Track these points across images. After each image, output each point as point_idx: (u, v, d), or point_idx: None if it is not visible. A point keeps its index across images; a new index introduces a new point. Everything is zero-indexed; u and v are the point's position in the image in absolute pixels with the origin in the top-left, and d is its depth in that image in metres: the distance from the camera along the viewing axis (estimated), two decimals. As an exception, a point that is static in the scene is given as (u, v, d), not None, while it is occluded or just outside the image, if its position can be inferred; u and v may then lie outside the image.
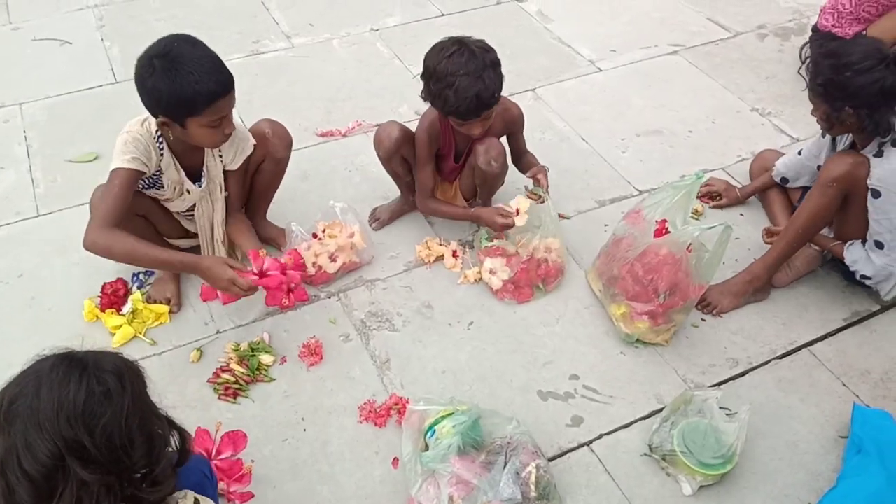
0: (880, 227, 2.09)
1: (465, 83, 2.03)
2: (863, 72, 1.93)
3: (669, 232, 2.06)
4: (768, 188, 2.58)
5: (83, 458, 1.05)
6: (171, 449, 1.19)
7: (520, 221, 2.26)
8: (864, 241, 2.19)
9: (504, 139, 2.39)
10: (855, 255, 2.20)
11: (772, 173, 2.53)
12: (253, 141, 2.22)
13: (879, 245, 2.13)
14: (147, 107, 1.92)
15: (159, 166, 2.04)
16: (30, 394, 1.05)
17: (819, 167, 2.25)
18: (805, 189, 2.40)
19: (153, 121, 1.97)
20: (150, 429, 1.13)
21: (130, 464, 1.09)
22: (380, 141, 2.33)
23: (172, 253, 2.04)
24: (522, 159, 2.47)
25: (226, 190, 2.23)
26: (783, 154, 2.61)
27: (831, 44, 2.01)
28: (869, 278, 2.20)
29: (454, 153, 2.39)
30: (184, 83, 1.82)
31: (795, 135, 3.00)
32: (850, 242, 2.23)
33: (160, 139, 2.00)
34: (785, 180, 2.50)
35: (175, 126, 1.92)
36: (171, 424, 1.19)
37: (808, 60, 2.11)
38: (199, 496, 1.23)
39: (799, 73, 2.11)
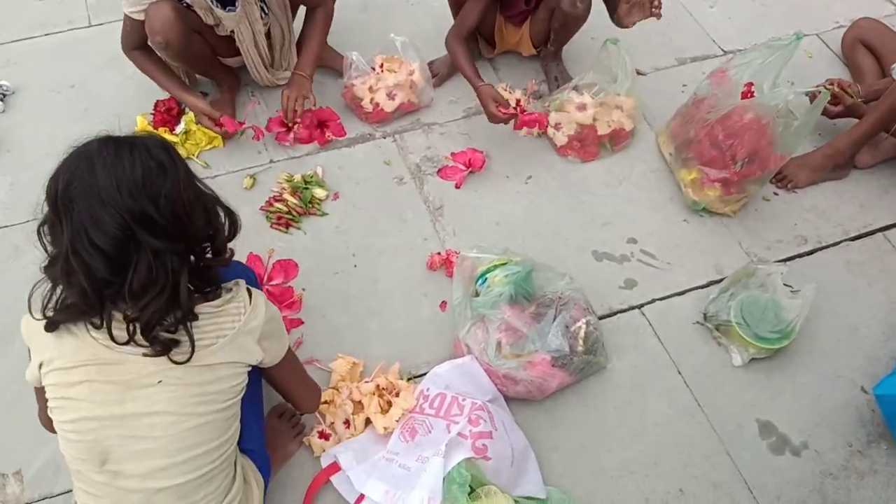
0: None
1: None
2: None
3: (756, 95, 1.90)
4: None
5: (151, 228, 1.06)
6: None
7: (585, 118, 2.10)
8: None
9: None
10: None
11: (891, 71, 2.22)
12: None
13: None
14: None
15: None
16: (84, 174, 1.05)
17: None
18: None
19: None
20: (205, 201, 1.16)
21: (194, 231, 1.13)
22: None
23: (177, 91, 2.09)
24: None
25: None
26: (881, 23, 2.36)
27: None
28: None
29: None
30: None
31: (905, 3, 2.71)
32: None
33: None
34: None
35: None
36: (217, 201, 1.21)
37: None
38: (250, 287, 1.25)
39: None
